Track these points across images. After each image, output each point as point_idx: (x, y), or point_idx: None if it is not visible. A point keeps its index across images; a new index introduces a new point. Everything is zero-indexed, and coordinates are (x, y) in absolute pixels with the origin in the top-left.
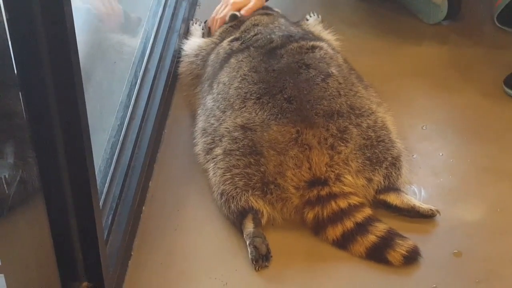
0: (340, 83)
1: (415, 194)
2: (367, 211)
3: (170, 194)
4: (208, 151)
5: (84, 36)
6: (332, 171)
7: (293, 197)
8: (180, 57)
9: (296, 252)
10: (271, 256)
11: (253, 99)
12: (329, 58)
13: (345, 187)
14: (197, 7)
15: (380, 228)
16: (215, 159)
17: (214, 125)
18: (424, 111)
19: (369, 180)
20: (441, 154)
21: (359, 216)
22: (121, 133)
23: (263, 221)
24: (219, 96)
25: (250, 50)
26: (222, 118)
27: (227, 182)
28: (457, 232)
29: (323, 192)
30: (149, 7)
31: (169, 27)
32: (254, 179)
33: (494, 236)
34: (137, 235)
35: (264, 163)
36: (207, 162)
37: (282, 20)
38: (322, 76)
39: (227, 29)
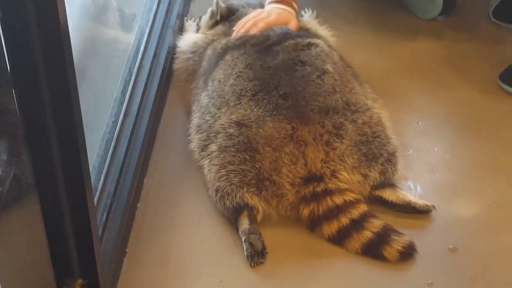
0: (335, 80)
1: (410, 190)
2: (363, 207)
3: (165, 191)
4: (203, 147)
5: (78, 33)
6: (328, 167)
7: (289, 193)
8: (175, 54)
9: (291, 248)
10: (267, 253)
11: (248, 95)
12: (325, 55)
13: (340, 184)
14: (192, 3)
15: (376, 224)
16: (210, 156)
17: (209, 122)
18: (420, 107)
19: (365, 176)
20: (436, 149)
21: (355, 213)
22: (115, 129)
23: (259, 217)
24: (214, 93)
25: (246, 47)
26: (217, 115)
27: (222, 179)
28: (452, 228)
29: (318, 189)
30: (144, 3)
31: (164, 23)
32: (249, 175)
33: (490, 231)
34: (132, 232)
35: (260, 159)
36: (202, 158)
37: None
38: (318, 73)
39: (224, 27)
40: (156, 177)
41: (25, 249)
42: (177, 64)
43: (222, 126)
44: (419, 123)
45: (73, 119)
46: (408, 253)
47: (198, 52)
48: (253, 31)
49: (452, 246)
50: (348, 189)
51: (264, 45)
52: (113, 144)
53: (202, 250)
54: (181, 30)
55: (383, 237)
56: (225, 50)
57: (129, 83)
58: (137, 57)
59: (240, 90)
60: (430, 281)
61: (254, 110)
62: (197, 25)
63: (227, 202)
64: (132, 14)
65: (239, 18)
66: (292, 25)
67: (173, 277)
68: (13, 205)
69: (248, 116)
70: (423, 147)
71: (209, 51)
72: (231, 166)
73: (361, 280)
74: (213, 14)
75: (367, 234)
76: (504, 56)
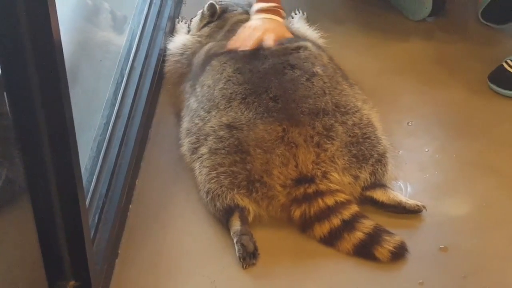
0: (325, 82)
1: (401, 190)
2: (354, 208)
3: (157, 192)
4: (193, 150)
5: (70, 35)
6: (319, 169)
7: (280, 195)
8: (166, 56)
9: (283, 249)
10: (259, 254)
11: (238, 99)
12: (314, 58)
13: (331, 185)
14: (183, 5)
15: (367, 224)
16: (200, 158)
17: (199, 125)
18: (410, 107)
19: (356, 177)
20: (427, 149)
21: (346, 213)
22: (107, 131)
23: (250, 218)
24: (204, 98)
25: (232, 52)
26: (207, 118)
27: (213, 181)
28: (443, 227)
29: (309, 190)
30: (135, 5)
31: (155, 25)
32: (239, 177)
33: (480, 230)
34: (124, 234)
35: (250, 161)
36: (193, 161)
37: None
38: (307, 76)
39: (213, 29)
40: (148, 178)
41: (17, 251)
42: (167, 67)
43: (212, 128)
44: (409, 124)
45: (65, 121)
46: (399, 253)
47: (187, 54)
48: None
49: (442, 246)
50: (339, 190)
51: (251, 50)
52: (105, 145)
53: (194, 251)
54: (172, 32)
55: (374, 237)
56: (211, 56)
57: (120, 85)
58: (128, 59)
59: (230, 93)
60: (421, 281)
61: (245, 113)
62: (188, 27)
63: (218, 204)
64: (123, 16)
65: (227, 18)
66: (287, 37)
67: (165, 278)
68: (5, 207)
69: (238, 119)
70: (413, 147)
71: (196, 55)
72: (222, 168)
73: (352, 280)
74: (203, 16)
75: (358, 235)
76: (493, 57)
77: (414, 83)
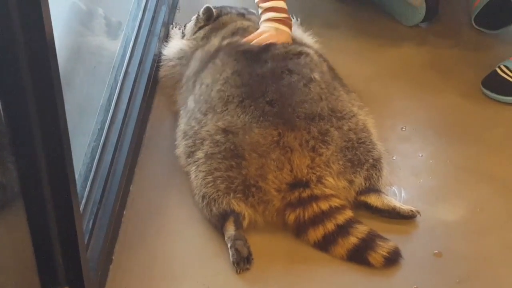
0: (322, 88)
1: (395, 195)
2: (348, 213)
3: (151, 198)
4: (189, 154)
5: (64, 40)
6: (314, 173)
7: (275, 199)
8: (160, 61)
9: (277, 254)
10: (253, 259)
11: (235, 102)
12: (313, 65)
13: (326, 189)
14: (177, 11)
15: (361, 230)
16: (196, 162)
17: (195, 128)
18: (404, 112)
19: (350, 182)
20: (420, 155)
21: (340, 218)
22: (101, 137)
23: (245, 224)
24: (201, 97)
25: (237, 53)
26: (203, 121)
27: (209, 185)
28: (437, 233)
29: (304, 194)
30: (129, 11)
31: (149, 31)
32: (235, 182)
33: (474, 236)
34: (118, 239)
35: (246, 166)
36: (188, 165)
37: None
38: (305, 81)
39: (209, 30)
40: (142, 184)
41: (10, 257)
42: (164, 72)
43: (209, 133)
44: (403, 129)
45: (59, 127)
46: (393, 259)
47: (184, 58)
48: None
49: (436, 251)
50: (334, 195)
51: (254, 52)
52: (99, 151)
53: (188, 257)
54: (166, 38)
55: (368, 242)
56: (216, 53)
57: (115, 90)
58: (122, 65)
59: (227, 96)
60: (415, 286)
61: (241, 116)
62: (182, 32)
63: (214, 209)
64: (118, 22)
65: (223, 21)
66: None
67: (159, 284)
68: None
69: (234, 123)
70: (407, 153)
71: (199, 54)
72: (218, 173)
73: (346, 285)
74: (198, 20)
75: (352, 240)
76: (486, 62)
77: (408, 88)
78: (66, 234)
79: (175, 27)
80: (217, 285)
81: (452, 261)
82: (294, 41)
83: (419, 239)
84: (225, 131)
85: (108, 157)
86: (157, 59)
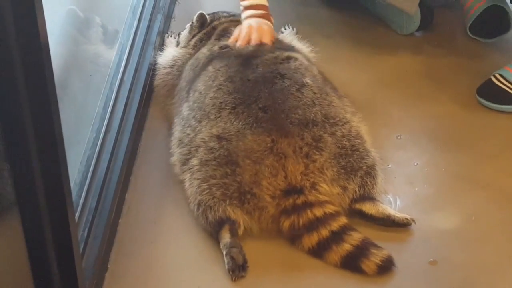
0: (314, 93)
1: (390, 203)
2: (343, 220)
3: (147, 206)
4: (184, 162)
5: (59, 48)
6: (308, 180)
7: (269, 206)
8: (155, 70)
9: (272, 261)
10: (248, 266)
11: (228, 109)
12: (304, 69)
13: (320, 196)
14: (172, 19)
15: (355, 237)
16: (191, 170)
17: (190, 136)
18: (399, 121)
19: (344, 188)
20: (416, 163)
21: (335, 225)
22: (97, 145)
23: (240, 231)
24: (195, 105)
25: (230, 58)
26: (198, 129)
27: (204, 192)
28: (432, 241)
29: (298, 201)
30: (125, 19)
31: (145, 40)
32: (231, 189)
33: (469, 244)
34: (114, 248)
35: (240, 172)
36: (183, 172)
37: None
38: (297, 86)
39: (201, 38)
40: (137, 192)
41: (5, 265)
42: (157, 80)
43: (203, 140)
44: (398, 137)
45: (54, 135)
46: (386, 267)
47: (176, 65)
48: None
49: (432, 259)
50: (328, 201)
51: (245, 57)
52: (94, 159)
53: (183, 264)
54: (162, 46)
55: (362, 250)
56: (209, 59)
57: (110, 99)
58: (118, 73)
59: (220, 103)
60: None
61: (234, 123)
62: (177, 41)
63: (210, 216)
64: (114, 30)
65: (215, 26)
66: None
67: None
68: None
69: (228, 130)
70: (402, 161)
71: (189, 63)
72: (213, 180)
73: None
74: (192, 28)
75: (346, 247)
76: (481, 71)
77: (403, 96)
78: (61, 242)
79: (170, 36)
80: None
81: (447, 270)
82: (280, 42)
83: (414, 247)
84: (219, 137)
85: (103, 166)
86: (153, 68)
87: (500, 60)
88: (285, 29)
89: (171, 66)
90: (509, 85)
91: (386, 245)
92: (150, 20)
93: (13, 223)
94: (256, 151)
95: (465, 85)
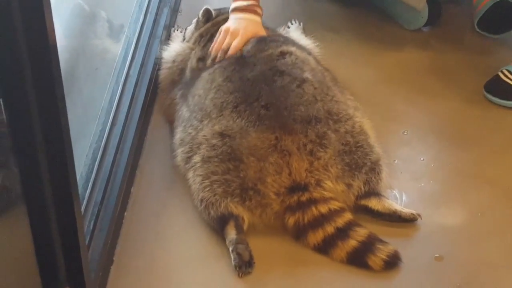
0: (315, 88)
1: (396, 199)
2: (348, 216)
3: (152, 200)
4: (187, 160)
5: (66, 42)
6: (312, 177)
7: (273, 203)
8: (160, 64)
9: (277, 257)
10: (254, 263)
11: (229, 108)
12: (301, 63)
13: (325, 193)
14: (179, 13)
15: (361, 233)
16: (194, 167)
17: (192, 134)
18: (405, 117)
19: (349, 185)
20: (422, 159)
21: (340, 221)
22: (102, 139)
23: (244, 226)
24: (196, 107)
25: (223, 61)
26: (199, 127)
27: (206, 189)
28: (438, 237)
29: (303, 198)
30: (131, 13)
31: (151, 34)
32: (232, 185)
33: (475, 240)
34: (119, 241)
35: (244, 168)
36: (187, 171)
37: None
38: (297, 82)
39: (201, 33)
40: (143, 186)
41: (12, 258)
42: (161, 75)
43: (205, 137)
44: (405, 133)
45: (61, 128)
46: (392, 262)
47: (178, 60)
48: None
49: (437, 255)
50: (333, 198)
51: (238, 57)
52: (100, 153)
53: (189, 258)
54: (168, 40)
55: (368, 245)
56: (200, 70)
57: (116, 93)
58: (124, 67)
59: (221, 102)
60: None
61: (237, 121)
62: (183, 35)
63: (212, 212)
64: (120, 24)
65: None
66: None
67: (160, 285)
68: (1, 214)
69: (231, 127)
70: (408, 157)
71: (188, 65)
72: (215, 176)
73: None
74: (198, 23)
75: (352, 243)
76: (489, 66)
77: (409, 92)
78: (68, 235)
79: (177, 30)
80: (218, 287)
81: (452, 265)
82: (272, 33)
83: (420, 243)
84: (222, 134)
85: (109, 159)
86: (159, 62)
87: (507, 56)
88: (292, 24)
89: (173, 61)
90: None
91: (391, 241)
92: (156, 14)
93: (20, 215)
94: (260, 149)
95: (472, 81)
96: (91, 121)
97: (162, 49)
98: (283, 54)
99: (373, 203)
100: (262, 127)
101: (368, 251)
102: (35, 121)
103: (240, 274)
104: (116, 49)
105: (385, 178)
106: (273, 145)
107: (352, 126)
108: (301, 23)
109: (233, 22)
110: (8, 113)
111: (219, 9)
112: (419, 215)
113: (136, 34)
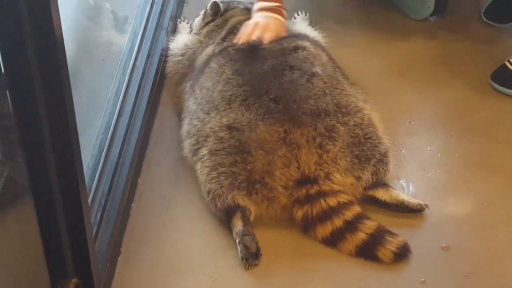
0: (325, 82)
1: (403, 189)
2: (356, 209)
3: (159, 191)
4: (194, 152)
5: (72, 34)
6: (321, 170)
7: (281, 196)
8: (167, 56)
9: (285, 249)
10: (261, 254)
11: (238, 101)
12: (312, 58)
13: (334, 185)
14: (185, 4)
15: (369, 225)
16: (201, 159)
17: (198, 126)
18: (412, 106)
19: (358, 178)
20: (429, 148)
21: (348, 214)
22: (109, 130)
23: (251, 218)
24: (203, 100)
25: (230, 53)
26: (206, 119)
27: (213, 181)
28: (445, 226)
29: (312, 191)
30: (137, 4)
31: (157, 25)
32: (239, 178)
33: (482, 230)
34: (126, 232)
35: (252, 161)
36: (194, 163)
37: None
38: (307, 76)
39: (212, 28)
40: (150, 177)
41: (19, 249)
42: (169, 67)
43: (212, 129)
44: (412, 123)
45: (67, 120)
46: (402, 254)
47: (188, 54)
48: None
49: (444, 245)
50: (342, 191)
51: (249, 51)
52: (107, 144)
53: (195, 250)
54: (174, 31)
55: (377, 238)
56: (210, 57)
57: (122, 84)
58: (130, 58)
59: (230, 95)
60: (423, 279)
61: (245, 114)
62: (190, 26)
63: (219, 204)
64: (125, 16)
65: (228, 17)
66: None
67: (167, 276)
68: (8, 206)
69: (239, 120)
70: (415, 147)
71: (199, 54)
72: (222, 168)
73: (354, 279)
74: (206, 15)
75: (360, 236)
76: (495, 56)
77: (416, 82)
78: (75, 226)
79: (183, 21)
80: (225, 278)
81: (460, 255)
82: (291, 32)
83: (427, 233)
84: (230, 127)
85: (116, 150)
86: (165, 53)
87: None
88: (298, 15)
89: (182, 55)
90: None
91: (399, 231)
92: (162, 5)
93: (27, 207)
94: (268, 142)
95: (479, 71)
96: (97, 113)
97: (169, 40)
98: (296, 49)
99: (380, 194)
100: (271, 120)
101: (378, 243)
102: (41, 113)
103: (247, 266)
104: (122, 41)
105: (393, 169)
106: (282, 138)
107: (361, 119)
108: (307, 14)
109: (261, 18)
110: (15, 106)
111: (228, 3)
112: (426, 205)
113: (143, 25)
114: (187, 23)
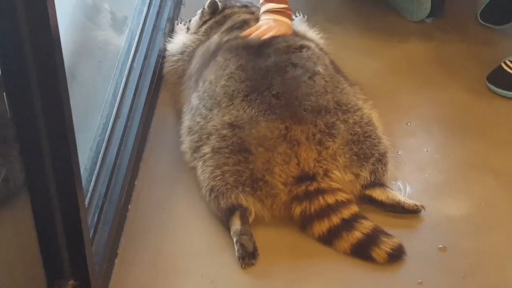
0: (326, 81)
1: (400, 190)
2: (354, 208)
3: (156, 192)
4: (195, 149)
5: (69, 35)
6: (320, 167)
7: (281, 193)
8: (165, 57)
9: (282, 249)
10: (258, 254)
11: (240, 96)
12: (316, 58)
13: (333, 183)
14: (182, 6)
15: (366, 225)
16: (203, 158)
17: (201, 123)
18: (409, 108)
19: (356, 175)
20: (425, 150)
21: (346, 213)
22: (106, 131)
23: (251, 219)
24: (205, 94)
25: (238, 48)
26: (209, 116)
27: (218, 178)
28: (442, 227)
29: (311, 188)
30: (134, 6)
31: (154, 26)
32: (244, 175)
33: (479, 231)
34: (123, 233)
35: (253, 160)
36: (194, 160)
37: None
38: (309, 74)
39: (211, 25)
40: (147, 178)
41: (16, 250)
42: (167, 67)
43: (215, 127)
44: (408, 124)
45: (64, 121)
46: (396, 255)
47: (186, 52)
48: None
49: (441, 246)
50: (340, 189)
51: (255, 47)
52: (104, 145)
53: (193, 251)
54: (171, 33)
55: (372, 238)
56: (216, 50)
57: (120, 85)
58: (128, 60)
59: (232, 91)
60: (420, 281)
61: (247, 110)
62: (187, 27)
63: (222, 203)
64: (123, 16)
65: (227, 14)
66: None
67: (164, 278)
68: (4, 206)
69: (240, 117)
70: (412, 148)
71: (200, 51)
72: (226, 167)
73: (351, 280)
74: (203, 14)
75: (356, 235)
76: (491, 57)
77: (413, 83)
78: (71, 227)
79: (180, 23)
80: (222, 279)
81: (456, 256)
82: (296, 34)
83: (424, 233)
84: (232, 125)
85: (113, 152)
86: (162, 54)
87: (510, 47)
88: (296, 16)
89: (182, 53)
90: None
91: (395, 232)
92: (160, 6)
93: (24, 208)
94: (269, 139)
95: (475, 72)
96: (95, 114)
97: (166, 42)
98: (301, 48)
99: (377, 193)
100: (272, 116)
101: (373, 243)
102: (38, 113)
103: (244, 265)
104: (120, 42)
105: (391, 170)
106: (283, 135)
107: (360, 117)
108: (305, 16)
109: (267, 21)
110: (11, 105)
111: (225, 1)
112: (422, 207)
113: (140, 27)
114: (184, 24)
